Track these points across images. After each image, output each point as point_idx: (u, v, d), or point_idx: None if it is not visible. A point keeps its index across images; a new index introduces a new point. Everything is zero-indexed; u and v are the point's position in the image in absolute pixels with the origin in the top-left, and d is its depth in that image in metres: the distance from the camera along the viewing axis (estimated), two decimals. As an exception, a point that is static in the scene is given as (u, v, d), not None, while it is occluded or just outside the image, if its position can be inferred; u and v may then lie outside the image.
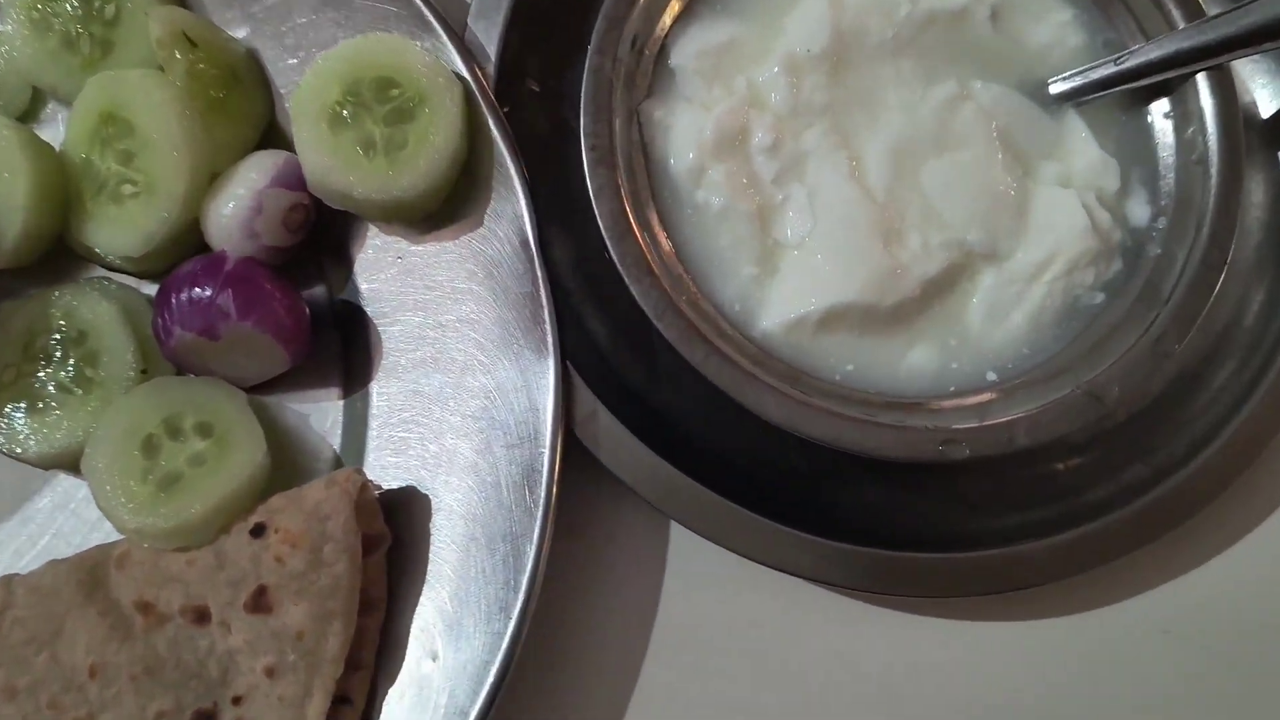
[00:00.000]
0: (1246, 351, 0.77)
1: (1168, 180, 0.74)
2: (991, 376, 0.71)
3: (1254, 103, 0.80)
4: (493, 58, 0.76)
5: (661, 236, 0.71)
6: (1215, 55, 0.70)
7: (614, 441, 0.71)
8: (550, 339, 0.70)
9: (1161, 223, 0.73)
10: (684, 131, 0.72)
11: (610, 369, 0.74)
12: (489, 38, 0.76)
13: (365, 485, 0.69)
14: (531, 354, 0.71)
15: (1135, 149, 0.75)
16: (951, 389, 0.71)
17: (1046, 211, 0.72)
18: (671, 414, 0.74)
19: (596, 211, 0.68)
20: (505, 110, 0.75)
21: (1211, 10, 0.72)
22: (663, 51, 0.74)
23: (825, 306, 0.70)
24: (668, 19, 0.74)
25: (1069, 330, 0.72)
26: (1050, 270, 0.72)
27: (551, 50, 0.76)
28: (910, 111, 0.73)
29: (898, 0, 0.74)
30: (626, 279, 0.67)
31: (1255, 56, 0.79)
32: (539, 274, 0.71)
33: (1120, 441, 0.76)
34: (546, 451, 0.69)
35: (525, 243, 0.71)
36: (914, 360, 0.71)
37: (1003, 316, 0.72)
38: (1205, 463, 0.73)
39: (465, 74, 0.73)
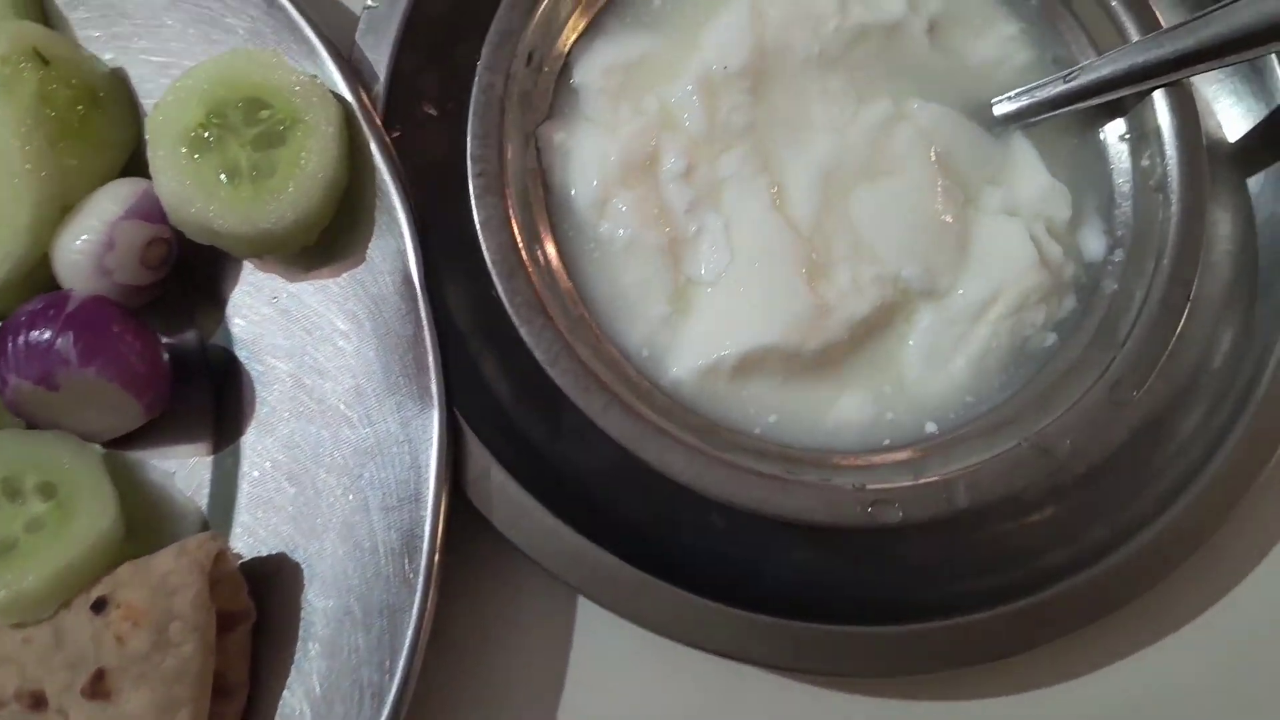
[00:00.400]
0: (1214, 398, 0.69)
1: (1124, 209, 0.67)
2: (931, 428, 0.64)
3: (1218, 124, 0.73)
4: (382, 78, 0.68)
5: (560, 273, 0.64)
6: (1173, 70, 0.64)
7: (510, 503, 0.63)
8: (435, 388, 0.63)
9: (1118, 256, 0.66)
10: (587, 156, 0.65)
11: (507, 422, 0.66)
12: (379, 56, 0.69)
13: (223, 554, 0.61)
14: (414, 404, 0.63)
15: (1088, 174, 0.68)
16: (886, 442, 0.64)
17: (991, 243, 0.65)
18: (575, 473, 0.66)
19: (483, 245, 0.61)
20: (395, 135, 0.68)
21: (1169, 20, 0.65)
22: (565, 69, 0.67)
23: (743, 351, 0.62)
24: (570, 34, 0.67)
25: (1017, 376, 0.65)
26: (995, 309, 0.65)
27: (449, 70, 0.69)
28: (839, 133, 0.66)
29: (825, 12, 0.67)
30: (515, 320, 0.60)
31: (1218, 72, 0.72)
32: (424, 315, 0.63)
33: (1077, 499, 0.68)
34: (428, 515, 0.61)
35: (409, 280, 0.64)
36: (843, 410, 0.64)
37: (942, 361, 0.65)
38: (1173, 521, 0.66)
39: (347, 94, 0.66)
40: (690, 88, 0.66)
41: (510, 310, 0.60)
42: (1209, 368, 0.70)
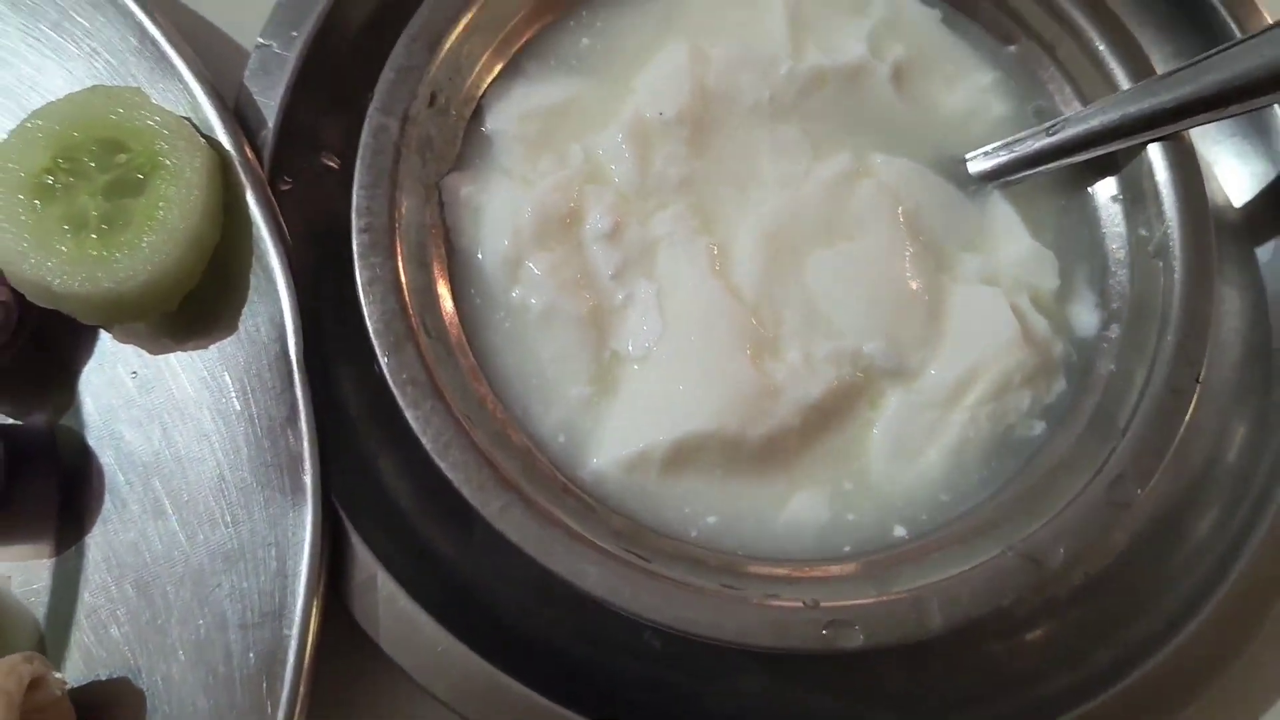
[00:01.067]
0: (1230, 497, 0.60)
1: (1119, 278, 0.58)
2: (900, 532, 0.54)
3: (1220, 187, 0.65)
4: (271, 123, 0.59)
5: (462, 347, 0.54)
6: (1171, 121, 0.56)
7: (400, 619, 0.53)
8: (310, 480, 0.53)
9: (1114, 331, 0.57)
10: (498, 212, 0.56)
11: (399, 523, 0.56)
12: (269, 99, 0.60)
13: (41, 680, 0.51)
14: (285, 500, 0.53)
15: (1077, 239, 0.60)
16: (846, 549, 0.54)
17: (967, 316, 0.57)
18: (480, 584, 0.56)
19: (365, 312, 0.51)
20: (285, 188, 0.59)
21: (1162, 68, 0.57)
22: (478, 114, 0.58)
23: (676, 439, 0.53)
24: (484, 75, 0.59)
25: (1000, 471, 0.56)
26: (973, 392, 0.55)
27: (354, 117, 0.60)
28: (792, 189, 0.58)
29: (777, 54, 0.59)
30: (400, 401, 0.50)
31: (1218, 130, 0.64)
32: (299, 395, 0.54)
33: (1076, 616, 0.59)
34: (294, 634, 0.51)
35: (285, 355, 0.54)
36: (796, 511, 0.54)
37: (913, 453, 0.55)
38: (1188, 641, 0.57)
39: (224, 140, 0.57)
40: (620, 136, 0.57)
41: (394, 388, 0.50)
42: (1222, 461, 0.61)
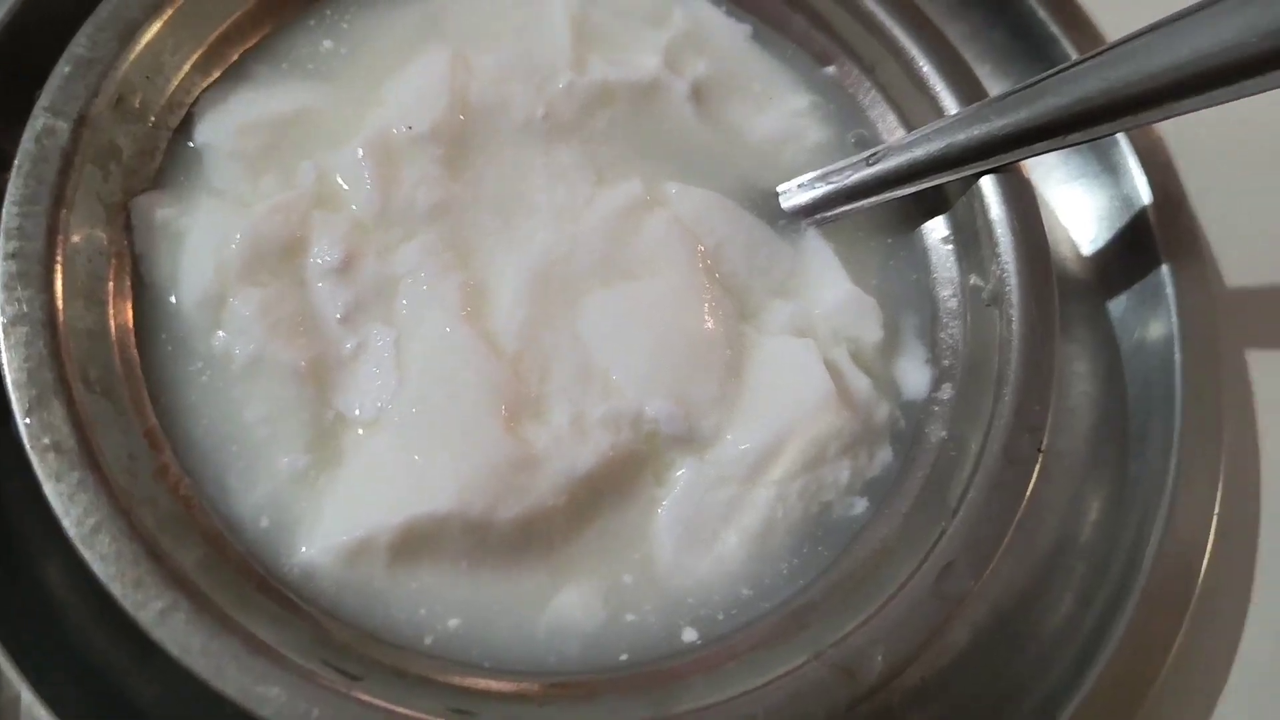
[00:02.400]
0: (1083, 586, 0.51)
1: (951, 330, 0.51)
2: (690, 636, 0.45)
3: (1065, 230, 0.58)
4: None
5: (143, 405, 0.43)
6: (1004, 150, 0.49)
7: None
8: None
9: (946, 392, 0.49)
10: (202, 239, 0.46)
11: (56, 629, 0.44)
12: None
13: None
14: None
15: (904, 285, 0.52)
16: (623, 658, 0.43)
17: (775, 373, 0.48)
18: (159, 713, 0.43)
19: (3, 359, 0.40)
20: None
21: (993, 90, 0.50)
22: (187, 124, 0.48)
23: (409, 520, 0.43)
24: (197, 77, 0.48)
25: (812, 559, 0.47)
26: (781, 464, 0.47)
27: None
28: (569, 220, 0.49)
29: (554, 64, 0.51)
30: (39, 472, 0.39)
31: (1058, 163, 0.57)
32: None
33: (910, 730, 0.48)
34: None
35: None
36: (561, 611, 0.44)
37: (708, 539, 0.46)
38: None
39: None
40: (360, 153, 0.47)
41: (31, 454, 0.39)
42: (1074, 543, 0.53)
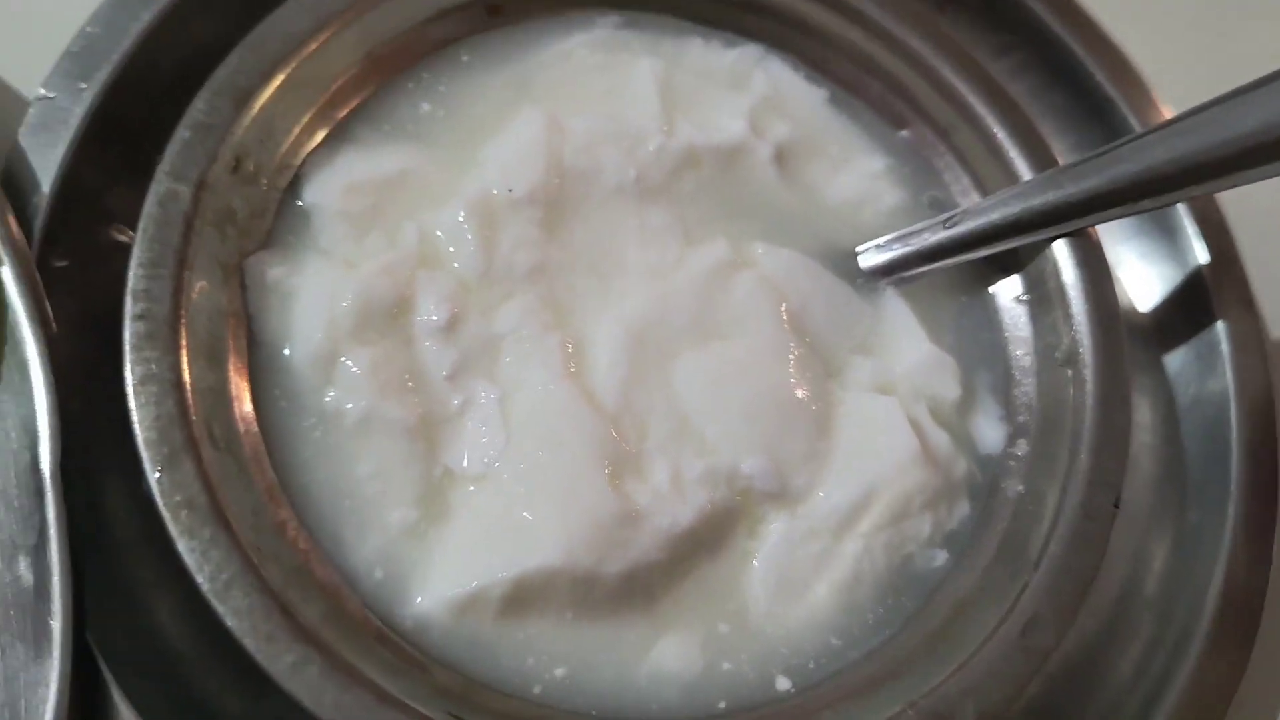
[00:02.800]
0: (1149, 637, 0.53)
1: (1026, 387, 0.52)
2: (784, 685, 0.46)
3: (1124, 291, 0.60)
4: (46, 188, 0.49)
5: (260, 460, 0.44)
6: (1078, 216, 0.51)
7: None
8: (57, 624, 0.42)
9: (1021, 448, 0.51)
10: (313, 299, 0.47)
11: (175, 678, 0.45)
12: (48, 161, 0.50)
13: None
14: (27, 648, 0.42)
15: (979, 344, 0.54)
16: (721, 705, 0.45)
17: (859, 429, 0.50)
18: None
19: (134, 418, 0.41)
20: (61, 264, 0.49)
21: (1063, 160, 0.52)
22: (295, 185, 0.50)
23: (518, 575, 0.44)
24: (305, 139, 0.50)
25: (898, 609, 0.49)
26: (868, 518, 0.49)
27: (147, 183, 0.50)
28: (661, 280, 0.50)
29: (645, 129, 0.53)
30: (172, 529, 0.40)
31: (1119, 230, 0.59)
32: (51, 515, 0.43)
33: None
34: None
35: (35, 465, 0.43)
36: (661, 660, 0.46)
37: (799, 589, 0.48)
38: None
39: None
40: (462, 214, 0.49)
41: (165, 512, 0.41)
42: (1139, 593, 0.54)
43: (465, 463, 0.46)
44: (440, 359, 0.47)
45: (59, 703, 0.42)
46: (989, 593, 0.48)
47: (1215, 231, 0.60)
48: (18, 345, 0.46)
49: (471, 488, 0.46)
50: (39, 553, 0.44)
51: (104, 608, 0.44)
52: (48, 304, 0.47)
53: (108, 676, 0.44)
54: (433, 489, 0.46)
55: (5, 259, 0.47)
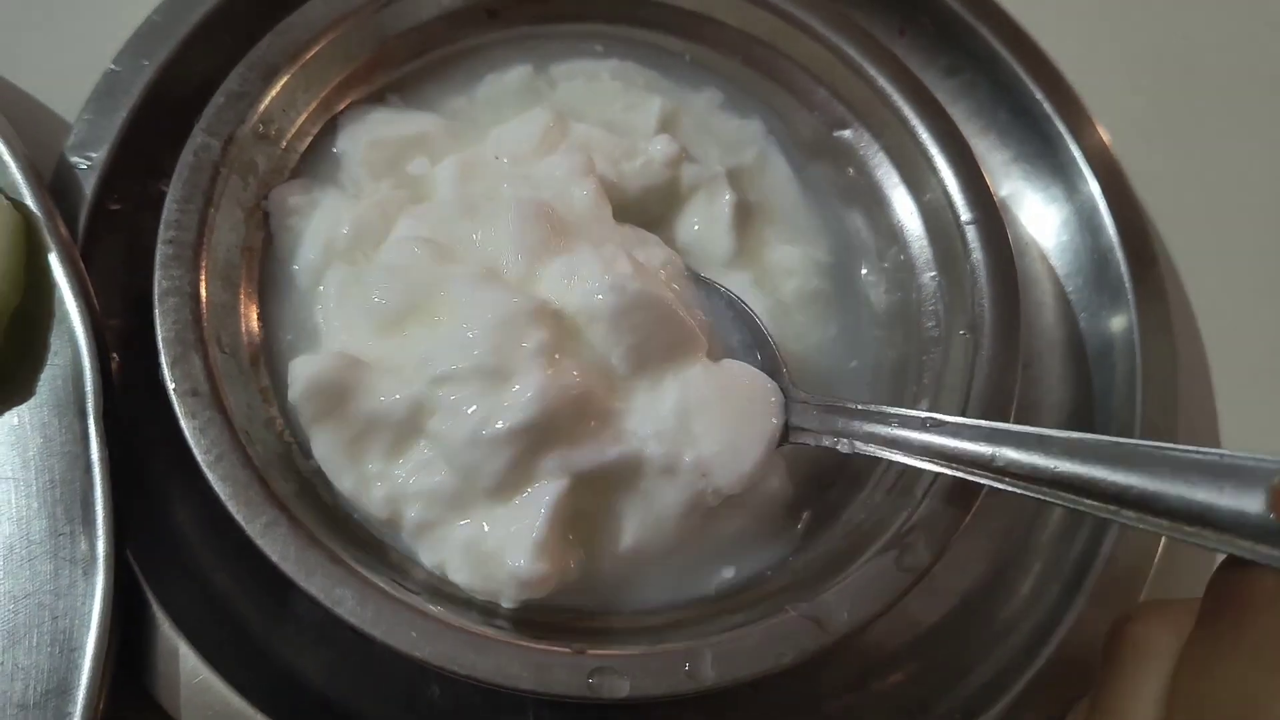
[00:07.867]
0: (1038, 581, 0.59)
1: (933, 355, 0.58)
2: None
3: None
4: (108, 145, 0.60)
5: (259, 368, 0.54)
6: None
7: (206, 704, 0.51)
8: (102, 546, 0.51)
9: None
10: (320, 223, 0.57)
11: (208, 593, 0.55)
12: (110, 121, 0.61)
13: None
14: (75, 568, 0.51)
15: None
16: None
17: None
18: (307, 666, 0.55)
19: (157, 325, 0.50)
20: (116, 207, 0.59)
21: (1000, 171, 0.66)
22: (334, 132, 0.60)
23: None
24: (336, 100, 0.61)
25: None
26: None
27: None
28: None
29: (636, 145, 0.62)
30: (178, 411, 0.49)
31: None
32: (94, 454, 0.52)
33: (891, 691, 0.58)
34: (78, 712, 0.48)
35: (82, 412, 0.53)
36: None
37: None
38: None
39: (31, 201, 0.56)
40: (454, 169, 0.58)
41: (174, 399, 0.49)
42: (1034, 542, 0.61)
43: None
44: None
45: (102, 612, 0.50)
46: (881, 524, 0.54)
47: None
48: (64, 318, 0.54)
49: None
50: (85, 487, 0.52)
51: (147, 533, 0.53)
52: (89, 283, 0.56)
53: (147, 592, 0.52)
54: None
55: (50, 236, 0.55)
